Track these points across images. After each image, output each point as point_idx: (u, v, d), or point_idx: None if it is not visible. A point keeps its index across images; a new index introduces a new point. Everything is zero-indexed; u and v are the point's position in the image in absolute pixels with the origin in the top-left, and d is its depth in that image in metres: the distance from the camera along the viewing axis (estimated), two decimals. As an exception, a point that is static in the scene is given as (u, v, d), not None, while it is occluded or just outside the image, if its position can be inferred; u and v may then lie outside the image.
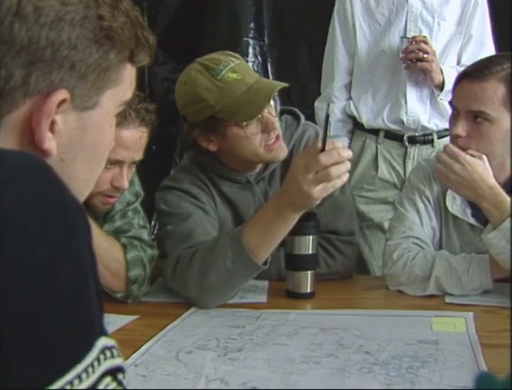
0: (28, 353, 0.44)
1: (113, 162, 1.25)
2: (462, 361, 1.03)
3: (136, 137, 1.26)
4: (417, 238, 1.44)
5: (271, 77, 2.72)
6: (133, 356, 1.07)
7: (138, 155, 1.30)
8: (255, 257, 1.26)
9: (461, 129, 1.34)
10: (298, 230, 1.41)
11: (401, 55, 1.87)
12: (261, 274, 1.54)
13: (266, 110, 1.41)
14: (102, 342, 0.49)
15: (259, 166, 1.54)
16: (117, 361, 0.49)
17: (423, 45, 1.83)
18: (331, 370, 1.01)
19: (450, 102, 1.42)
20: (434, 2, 1.91)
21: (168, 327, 1.22)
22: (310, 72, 2.58)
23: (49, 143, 0.58)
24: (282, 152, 1.48)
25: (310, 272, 1.41)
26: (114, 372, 0.49)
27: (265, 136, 1.43)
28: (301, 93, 2.47)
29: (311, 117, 2.04)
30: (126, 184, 1.29)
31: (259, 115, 1.41)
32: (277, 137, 1.45)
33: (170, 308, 1.33)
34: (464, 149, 1.35)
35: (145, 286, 1.37)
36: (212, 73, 1.38)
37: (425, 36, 1.86)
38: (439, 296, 1.37)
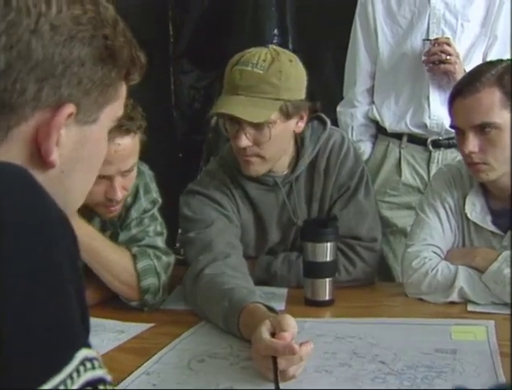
0: (8, 358, 0.44)
1: (101, 177, 1.25)
2: (479, 372, 1.00)
3: (113, 151, 1.23)
4: (437, 247, 1.41)
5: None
6: (145, 364, 1.07)
7: (125, 165, 1.28)
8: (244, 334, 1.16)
9: (472, 146, 1.32)
10: (316, 237, 1.40)
11: (423, 58, 1.84)
12: (280, 281, 1.54)
13: (242, 127, 1.38)
14: (83, 353, 0.48)
15: (286, 169, 1.53)
16: (98, 373, 0.49)
17: (446, 47, 1.79)
18: (343, 380, 0.99)
19: (452, 126, 1.39)
20: (457, 3, 1.86)
21: (183, 335, 1.21)
22: (334, 77, 2.55)
23: (54, 155, 0.60)
24: (247, 171, 1.46)
25: (328, 279, 1.39)
26: (95, 384, 0.49)
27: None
28: (326, 97, 2.44)
29: (336, 122, 2.03)
30: (118, 195, 1.29)
31: (234, 124, 1.40)
32: (247, 159, 1.43)
33: (186, 316, 1.33)
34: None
35: (161, 294, 1.37)
36: (237, 62, 1.39)
37: (448, 38, 1.82)
38: (461, 304, 1.34)
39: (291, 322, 1.01)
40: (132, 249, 1.36)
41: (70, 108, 0.59)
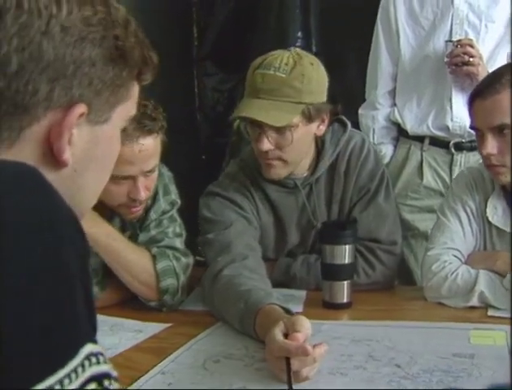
0: (8, 357, 0.45)
1: (124, 178, 1.27)
2: (497, 377, 0.98)
3: (136, 151, 1.24)
4: (458, 251, 1.40)
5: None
6: (161, 364, 1.08)
7: (148, 166, 1.29)
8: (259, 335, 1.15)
9: (490, 148, 1.31)
10: (334, 239, 1.39)
11: (445, 60, 1.82)
12: (299, 284, 1.54)
13: (264, 130, 1.38)
14: (88, 348, 0.49)
15: (306, 171, 1.54)
16: (103, 368, 0.50)
17: (469, 49, 1.77)
18: (357, 383, 0.98)
19: (472, 127, 1.38)
20: (481, 4, 1.84)
21: (199, 335, 1.22)
22: (358, 80, 2.54)
23: (67, 154, 0.61)
24: (268, 174, 1.47)
25: (346, 282, 1.39)
26: (100, 378, 0.49)
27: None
28: (349, 100, 2.43)
29: (359, 124, 2.02)
30: (142, 195, 1.30)
31: (256, 128, 1.40)
32: (268, 162, 1.44)
33: (204, 317, 1.33)
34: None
35: (180, 295, 1.38)
36: (259, 65, 1.40)
37: (471, 40, 1.79)
38: (481, 309, 1.32)
39: (304, 323, 1.00)
40: (151, 249, 1.38)
41: (81, 108, 0.60)
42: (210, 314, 1.34)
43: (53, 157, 0.60)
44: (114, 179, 1.26)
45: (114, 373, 0.51)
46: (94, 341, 0.50)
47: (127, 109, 0.67)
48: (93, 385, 0.49)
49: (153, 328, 1.27)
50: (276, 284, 1.50)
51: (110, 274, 1.37)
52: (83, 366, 0.48)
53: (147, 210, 1.42)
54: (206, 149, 3.04)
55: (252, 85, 1.40)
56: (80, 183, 0.65)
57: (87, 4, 0.60)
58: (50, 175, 0.57)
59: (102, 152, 0.65)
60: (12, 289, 0.45)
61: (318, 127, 1.46)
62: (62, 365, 0.47)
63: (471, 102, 1.34)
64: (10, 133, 0.58)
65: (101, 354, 0.50)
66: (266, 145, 1.39)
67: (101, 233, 1.31)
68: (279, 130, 1.39)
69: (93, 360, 0.49)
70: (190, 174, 2.65)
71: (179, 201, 1.48)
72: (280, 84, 1.37)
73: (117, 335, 1.23)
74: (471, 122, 1.37)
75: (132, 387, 1.00)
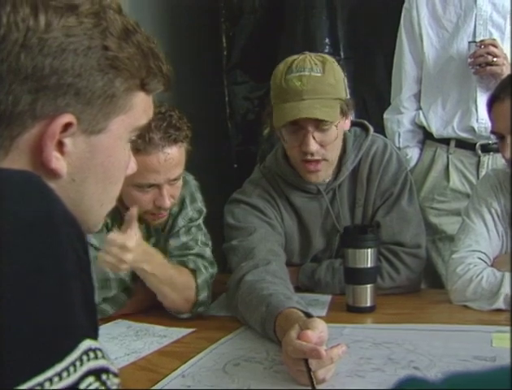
0: (7, 350, 0.47)
1: (150, 186, 1.30)
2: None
3: (162, 160, 1.27)
4: (483, 253, 1.38)
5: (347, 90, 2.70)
6: (182, 367, 1.10)
7: (173, 174, 1.32)
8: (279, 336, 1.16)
9: None
10: (356, 243, 1.39)
11: (469, 60, 1.80)
12: (324, 288, 1.55)
13: (310, 131, 1.40)
14: (87, 344, 0.51)
15: (329, 176, 1.54)
16: (101, 363, 0.52)
17: (492, 49, 1.75)
18: (373, 385, 0.98)
19: (492, 131, 1.36)
20: (506, 3, 1.82)
21: (222, 340, 1.23)
22: (386, 84, 2.53)
23: (57, 163, 0.62)
24: (314, 178, 1.48)
25: (369, 286, 1.39)
26: (97, 372, 0.51)
27: (302, 152, 1.44)
28: (378, 104, 2.44)
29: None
30: (167, 203, 1.33)
31: (300, 131, 1.41)
32: (315, 162, 1.45)
33: (227, 322, 1.35)
34: None
35: (209, 305, 1.41)
36: (287, 70, 1.41)
37: (494, 39, 1.77)
38: (507, 312, 1.29)
39: (318, 325, 1.01)
40: (186, 256, 1.39)
41: (66, 118, 0.61)
42: (233, 319, 1.35)
43: (44, 166, 0.61)
44: (140, 187, 1.30)
45: (113, 368, 0.54)
46: (93, 337, 0.53)
47: (129, 119, 0.67)
48: (90, 379, 0.51)
49: (177, 333, 1.29)
50: (302, 289, 1.51)
51: (137, 281, 1.40)
52: (81, 360, 0.50)
53: (175, 218, 1.44)
54: (238, 157, 3.07)
55: (289, 90, 1.40)
56: (82, 191, 0.66)
57: (71, 16, 0.61)
58: (50, 184, 0.58)
59: (102, 161, 0.66)
60: (9, 287, 0.48)
61: (345, 122, 1.49)
62: (60, 359, 0.49)
63: (490, 107, 1.33)
64: (3, 142, 0.60)
65: (100, 350, 0.52)
66: (314, 145, 1.42)
67: (155, 265, 1.31)
68: (324, 128, 1.41)
69: (91, 355, 0.51)
70: (222, 182, 2.68)
71: (204, 210, 1.50)
72: (319, 82, 1.40)
73: (142, 340, 1.26)
74: (492, 126, 1.35)
75: (153, 388, 1.02)
